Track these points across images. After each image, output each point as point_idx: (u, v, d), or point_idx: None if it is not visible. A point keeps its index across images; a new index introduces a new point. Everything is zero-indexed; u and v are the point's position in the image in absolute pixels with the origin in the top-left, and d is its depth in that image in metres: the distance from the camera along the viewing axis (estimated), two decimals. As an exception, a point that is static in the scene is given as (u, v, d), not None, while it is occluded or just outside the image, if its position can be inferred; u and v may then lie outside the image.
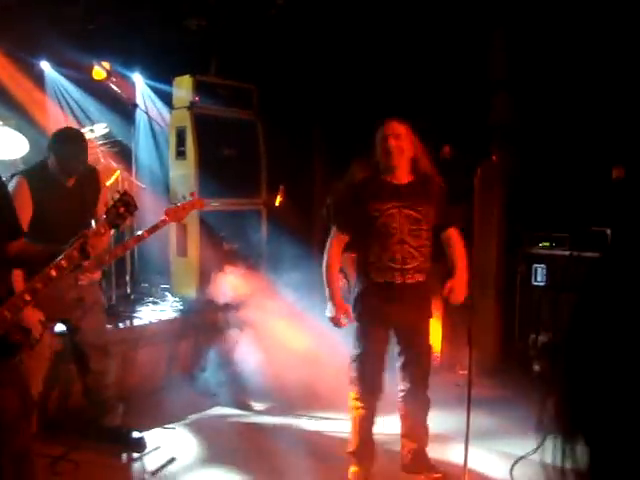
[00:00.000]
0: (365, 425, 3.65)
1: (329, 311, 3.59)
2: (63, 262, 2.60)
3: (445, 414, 4.37)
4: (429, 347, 3.79)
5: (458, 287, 3.60)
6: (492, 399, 4.96)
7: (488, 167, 5.11)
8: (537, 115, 5.47)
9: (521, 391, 5.04)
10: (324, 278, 3.60)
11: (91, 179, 4.11)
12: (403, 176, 3.56)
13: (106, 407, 4.18)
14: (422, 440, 3.77)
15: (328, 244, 3.62)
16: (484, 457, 4.01)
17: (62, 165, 3.82)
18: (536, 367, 5.34)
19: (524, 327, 5.60)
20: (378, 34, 6.02)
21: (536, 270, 5.61)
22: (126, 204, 2.77)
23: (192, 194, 4.25)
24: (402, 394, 3.71)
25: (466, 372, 5.28)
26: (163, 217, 4.03)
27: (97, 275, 4.09)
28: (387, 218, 3.47)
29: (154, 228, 4.00)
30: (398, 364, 3.70)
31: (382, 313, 3.55)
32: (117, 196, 2.82)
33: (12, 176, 3.77)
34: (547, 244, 5.59)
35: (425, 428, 3.77)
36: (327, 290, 3.58)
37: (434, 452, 3.91)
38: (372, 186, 3.56)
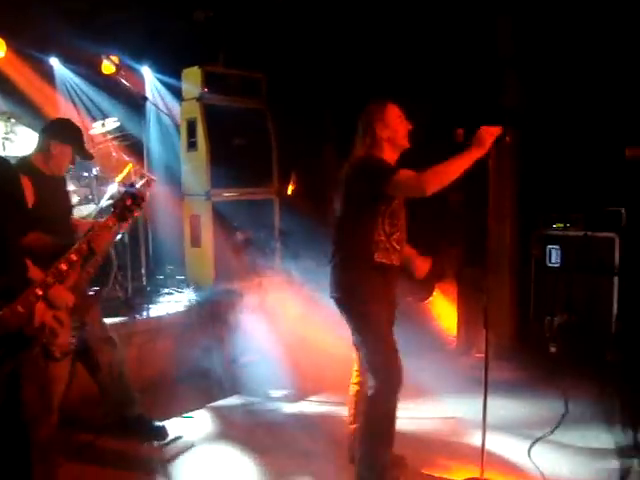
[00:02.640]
0: None
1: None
2: (73, 256, 2.63)
3: (462, 397, 4.39)
4: None
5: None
6: (509, 381, 4.97)
7: (501, 148, 5.10)
8: (550, 95, 5.43)
9: (537, 373, 5.06)
10: (449, 175, 3.19)
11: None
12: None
13: (126, 398, 4.19)
14: None
15: (409, 177, 3.21)
16: (502, 439, 4.01)
17: (74, 153, 3.87)
18: (552, 348, 5.33)
19: (539, 309, 5.58)
20: (387, 17, 6.00)
21: (550, 251, 5.58)
22: (133, 196, 2.75)
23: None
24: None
25: (482, 355, 5.32)
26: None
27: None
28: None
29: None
30: None
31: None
32: (124, 189, 2.82)
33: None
34: (561, 225, 5.56)
35: None
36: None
37: (453, 436, 3.92)
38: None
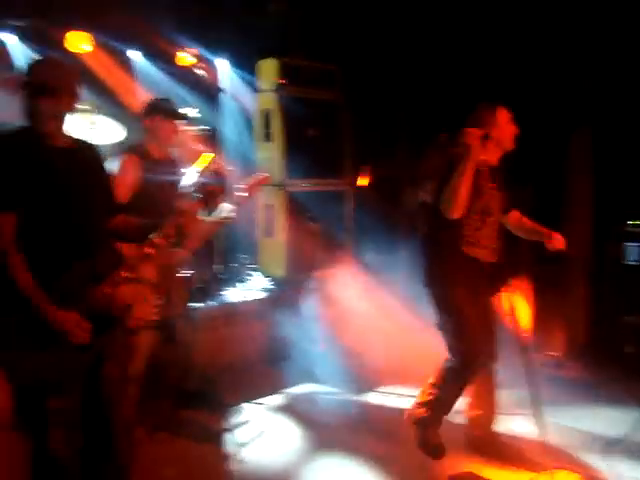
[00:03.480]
0: None
1: None
2: (159, 240, 2.73)
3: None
4: None
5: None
6: (582, 381, 4.89)
7: (578, 145, 5.02)
8: (621, 89, 5.29)
9: (612, 373, 4.95)
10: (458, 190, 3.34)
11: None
12: None
13: (187, 374, 4.31)
14: None
15: None
16: (574, 440, 3.96)
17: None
18: (628, 349, 5.21)
19: (615, 308, 5.45)
20: (466, 16, 5.92)
21: (627, 249, 5.44)
22: (217, 183, 2.84)
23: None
24: None
25: (556, 353, 5.26)
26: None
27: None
28: None
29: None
30: None
31: None
32: (208, 176, 2.91)
33: (119, 153, 3.93)
34: (639, 222, 5.41)
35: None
36: None
37: (521, 432, 3.90)
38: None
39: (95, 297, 2.57)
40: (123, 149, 4.05)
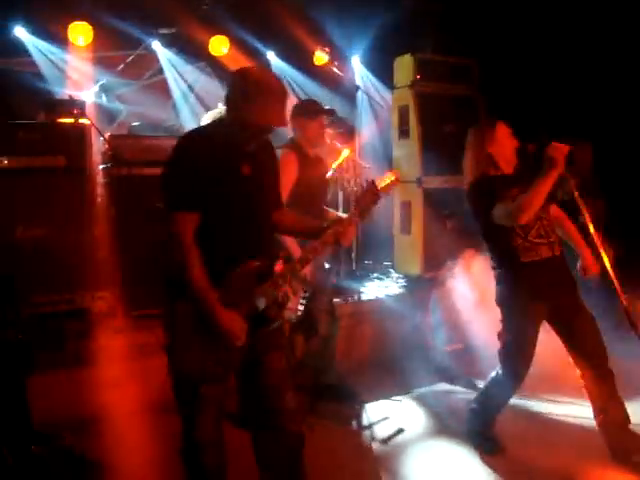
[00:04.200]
0: None
1: None
2: (319, 246, 2.77)
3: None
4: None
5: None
6: None
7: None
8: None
9: None
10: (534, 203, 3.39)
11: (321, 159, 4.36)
12: None
13: (325, 366, 4.41)
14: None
15: (502, 211, 3.49)
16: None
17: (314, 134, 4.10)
18: None
19: None
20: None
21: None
22: (374, 194, 2.85)
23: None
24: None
25: None
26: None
27: None
28: None
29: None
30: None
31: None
32: (365, 185, 2.92)
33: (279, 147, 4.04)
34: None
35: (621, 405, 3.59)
36: None
37: None
38: None
39: (260, 295, 2.63)
40: (280, 145, 4.10)
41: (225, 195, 2.58)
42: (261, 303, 2.63)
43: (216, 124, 2.77)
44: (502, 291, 3.70)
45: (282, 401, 2.73)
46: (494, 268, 3.75)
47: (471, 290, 5.16)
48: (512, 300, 3.64)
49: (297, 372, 4.32)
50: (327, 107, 4.33)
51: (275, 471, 2.81)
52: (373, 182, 2.91)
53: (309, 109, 4.17)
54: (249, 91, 2.55)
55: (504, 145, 3.67)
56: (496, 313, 3.74)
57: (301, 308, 3.82)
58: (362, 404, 4.42)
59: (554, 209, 3.76)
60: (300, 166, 3.96)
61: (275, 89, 2.61)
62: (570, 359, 3.62)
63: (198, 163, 2.53)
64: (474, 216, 3.74)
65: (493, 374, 3.81)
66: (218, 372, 2.56)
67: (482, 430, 3.88)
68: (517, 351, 3.67)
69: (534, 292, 3.53)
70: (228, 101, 2.64)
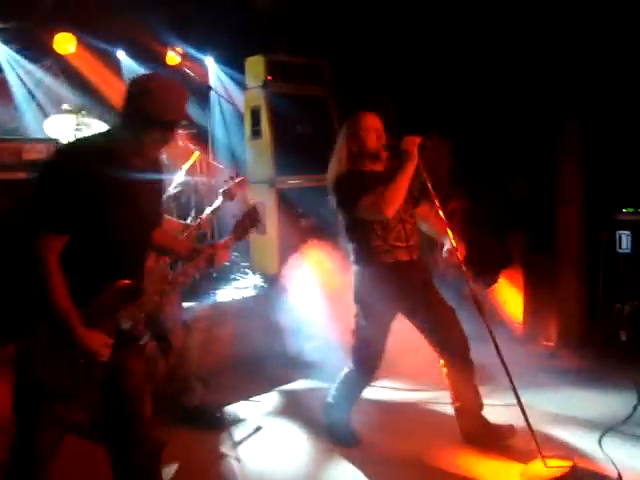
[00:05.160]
0: None
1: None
2: (191, 269, 2.72)
3: (527, 386, 4.33)
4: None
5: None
6: (577, 370, 4.88)
7: (568, 132, 5.00)
8: (610, 78, 5.28)
9: (607, 361, 4.95)
10: (397, 194, 3.48)
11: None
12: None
13: (186, 386, 4.27)
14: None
15: (368, 204, 3.53)
16: (571, 429, 3.95)
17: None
18: (623, 337, 5.20)
19: (609, 296, 5.43)
20: (457, 8, 5.90)
21: (620, 237, 5.42)
22: (253, 219, 2.84)
23: (233, 177, 4.36)
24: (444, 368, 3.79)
25: (549, 343, 5.25)
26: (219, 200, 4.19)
27: None
28: None
29: (214, 212, 4.14)
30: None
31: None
32: (245, 210, 2.90)
33: None
34: (632, 209, 5.39)
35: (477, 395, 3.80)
36: None
37: (514, 421, 3.90)
38: None
39: (125, 316, 2.54)
40: None
41: (105, 215, 2.41)
42: (126, 324, 2.55)
43: (99, 137, 2.59)
44: (359, 288, 3.77)
45: (142, 408, 2.68)
46: (353, 264, 3.79)
47: (317, 282, 5.24)
48: (368, 298, 3.70)
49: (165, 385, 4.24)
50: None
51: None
52: (254, 208, 2.91)
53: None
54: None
55: (369, 140, 3.67)
56: (345, 302, 3.83)
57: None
58: (221, 426, 4.27)
59: (423, 209, 3.83)
60: None
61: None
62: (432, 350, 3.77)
63: (76, 181, 2.34)
64: (339, 208, 3.73)
65: (346, 369, 3.91)
66: (70, 389, 2.46)
67: (339, 423, 3.96)
68: (369, 347, 3.77)
69: (390, 292, 3.61)
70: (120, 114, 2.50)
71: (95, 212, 2.38)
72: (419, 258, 3.76)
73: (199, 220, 4.20)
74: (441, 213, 3.48)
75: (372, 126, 3.70)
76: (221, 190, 4.22)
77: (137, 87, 2.45)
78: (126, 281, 2.51)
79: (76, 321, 2.39)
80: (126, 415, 2.67)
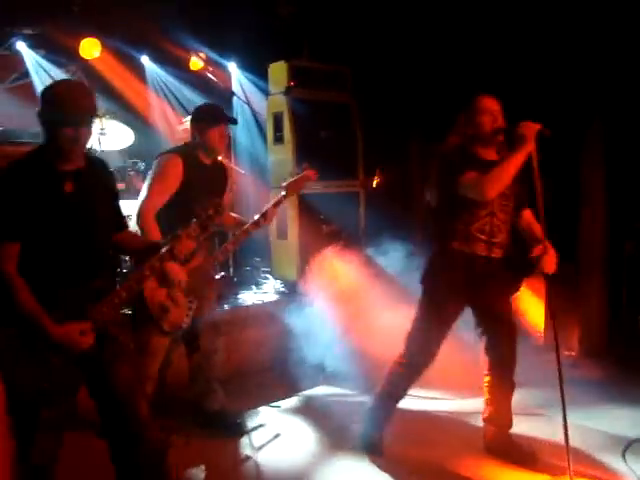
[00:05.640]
0: None
1: None
2: (156, 263, 2.74)
3: (549, 395, 4.30)
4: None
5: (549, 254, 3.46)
6: (599, 380, 4.84)
7: (591, 141, 4.93)
8: (634, 83, 5.22)
9: (629, 372, 4.89)
10: (504, 178, 3.29)
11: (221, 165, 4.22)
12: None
13: (208, 390, 4.20)
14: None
15: (471, 180, 3.34)
16: (593, 439, 3.91)
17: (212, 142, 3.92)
18: (645, 348, 5.14)
19: (632, 305, 5.38)
20: (478, 13, 5.88)
21: (645, 246, 5.36)
22: (215, 207, 2.83)
23: (305, 167, 4.27)
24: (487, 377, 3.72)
25: (571, 353, 5.20)
26: (282, 193, 4.11)
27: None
28: None
29: (276, 204, 4.09)
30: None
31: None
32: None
33: (161, 154, 3.85)
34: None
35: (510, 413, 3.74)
36: None
37: (538, 431, 3.87)
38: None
39: (94, 315, 2.61)
40: (166, 150, 3.97)
41: (48, 219, 2.55)
42: (97, 322, 2.61)
43: (34, 150, 2.68)
44: (427, 270, 3.63)
45: (136, 409, 2.71)
46: (429, 246, 3.68)
47: (338, 288, 5.24)
48: (433, 282, 3.58)
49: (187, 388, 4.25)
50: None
51: None
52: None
53: (211, 115, 3.94)
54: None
55: (484, 123, 3.49)
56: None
57: (187, 320, 3.75)
58: (241, 433, 4.22)
59: (527, 214, 3.66)
60: (187, 171, 3.77)
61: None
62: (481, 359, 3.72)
63: (17, 191, 2.50)
64: (439, 179, 3.55)
65: (389, 368, 3.80)
66: (50, 393, 2.53)
67: (375, 431, 3.86)
68: (425, 339, 3.62)
69: (457, 280, 3.49)
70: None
71: (36, 219, 2.52)
72: (501, 260, 3.56)
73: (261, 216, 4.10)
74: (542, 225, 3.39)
75: (488, 108, 3.51)
76: (284, 184, 4.18)
77: (43, 95, 2.61)
78: (92, 282, 2.63)
79: (46, 319, 2.50)
80: (120, 417, 2.72)
